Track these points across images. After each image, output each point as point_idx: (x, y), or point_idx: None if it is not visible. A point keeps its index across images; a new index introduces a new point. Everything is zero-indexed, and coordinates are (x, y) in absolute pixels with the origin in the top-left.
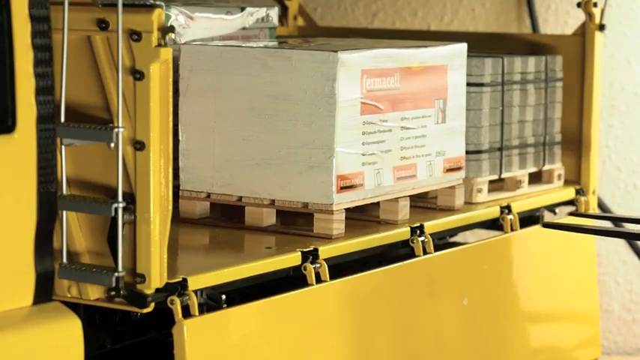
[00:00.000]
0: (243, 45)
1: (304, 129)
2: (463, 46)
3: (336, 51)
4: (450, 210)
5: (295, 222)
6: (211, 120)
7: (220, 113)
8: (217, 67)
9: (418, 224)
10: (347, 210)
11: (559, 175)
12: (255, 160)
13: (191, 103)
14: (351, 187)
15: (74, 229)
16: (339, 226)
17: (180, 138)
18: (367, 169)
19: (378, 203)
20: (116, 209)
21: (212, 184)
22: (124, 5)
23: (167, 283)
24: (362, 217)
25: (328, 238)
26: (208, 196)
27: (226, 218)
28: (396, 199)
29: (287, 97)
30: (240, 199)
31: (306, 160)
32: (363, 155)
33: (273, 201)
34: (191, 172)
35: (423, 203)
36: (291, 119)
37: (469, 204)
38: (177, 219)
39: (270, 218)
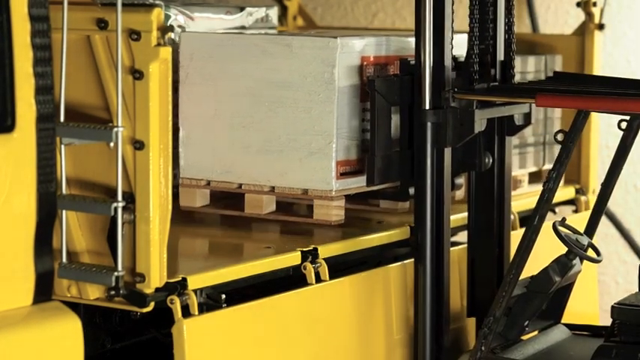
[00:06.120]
0: (244, 32)
1: (304, 115)
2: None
3: (335, 37)
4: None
5: (295, 209)
6: (211, 107)
7: (220, 100)
8: (217, 55)
9: None
10: (346, 197)
11: None
12: (255, 147)
13: (191, 91)
14: (350, 173)
15: (74, 229)
16: (338, 212)
17: (180, 126)
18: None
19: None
20: (116, 209)
21: (212, 172)
22: (124, 5)
23: (167, 283)
24: (361, 205)
25: (328, 225)
26: (208, 183)
27: (226, 206)
28: None
29: (287, 83)
30: (240, 186)
31: (306, 146)
32: (363, 142)
33: (273, 188)
34: (191, 160)
35: None
36: (291, 106)
37: None
38: (178, 217)
39: (269, 205)
